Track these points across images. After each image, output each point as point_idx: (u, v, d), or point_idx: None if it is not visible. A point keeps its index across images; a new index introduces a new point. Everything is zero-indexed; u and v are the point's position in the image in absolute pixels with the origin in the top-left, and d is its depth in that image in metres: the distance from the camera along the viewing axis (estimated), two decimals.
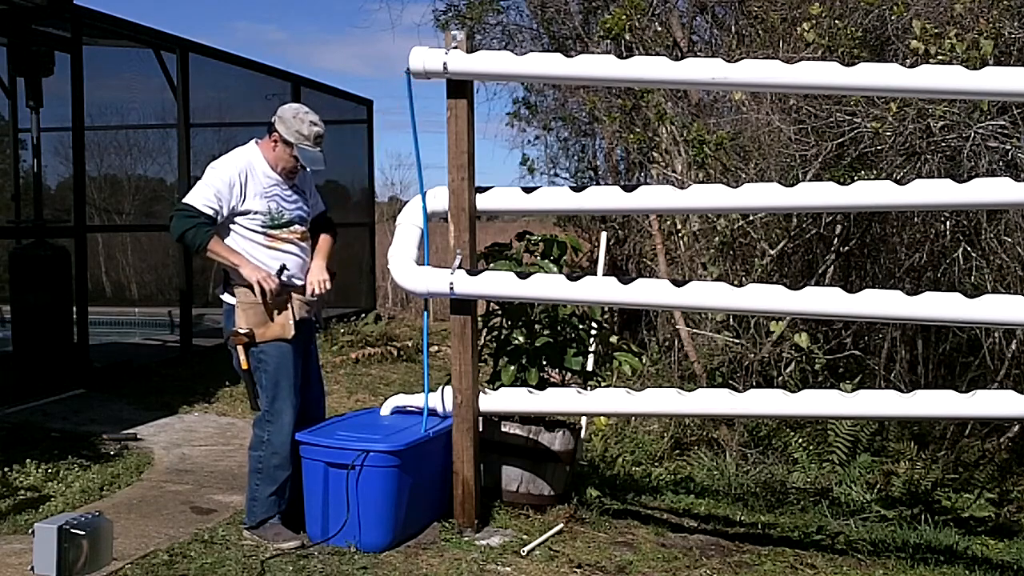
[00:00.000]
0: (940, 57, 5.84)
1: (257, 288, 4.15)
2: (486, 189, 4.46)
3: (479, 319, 4.81)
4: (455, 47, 4.26)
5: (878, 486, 6.07)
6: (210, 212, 4.13)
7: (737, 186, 4.29)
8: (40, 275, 7.52)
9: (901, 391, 4.39)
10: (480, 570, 4.09)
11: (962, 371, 7.06)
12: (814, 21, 6.60)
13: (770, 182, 5.44)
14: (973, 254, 6.61)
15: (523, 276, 4.36)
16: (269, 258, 4.24)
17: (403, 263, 4.44)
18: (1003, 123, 6.08)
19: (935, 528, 5.23)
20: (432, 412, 4.54)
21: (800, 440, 6.51)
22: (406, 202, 4.75)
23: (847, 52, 6.47)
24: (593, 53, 6.85)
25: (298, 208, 4.36)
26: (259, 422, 4.31)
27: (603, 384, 5.37)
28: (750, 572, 4.33)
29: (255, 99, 10.72)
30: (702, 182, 6.99)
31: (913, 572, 4.47)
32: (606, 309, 7.97)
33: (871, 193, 4.13)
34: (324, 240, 4.51)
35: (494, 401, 4.51)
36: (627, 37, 8.07)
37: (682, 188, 4.46)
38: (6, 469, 5.19)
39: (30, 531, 3.36)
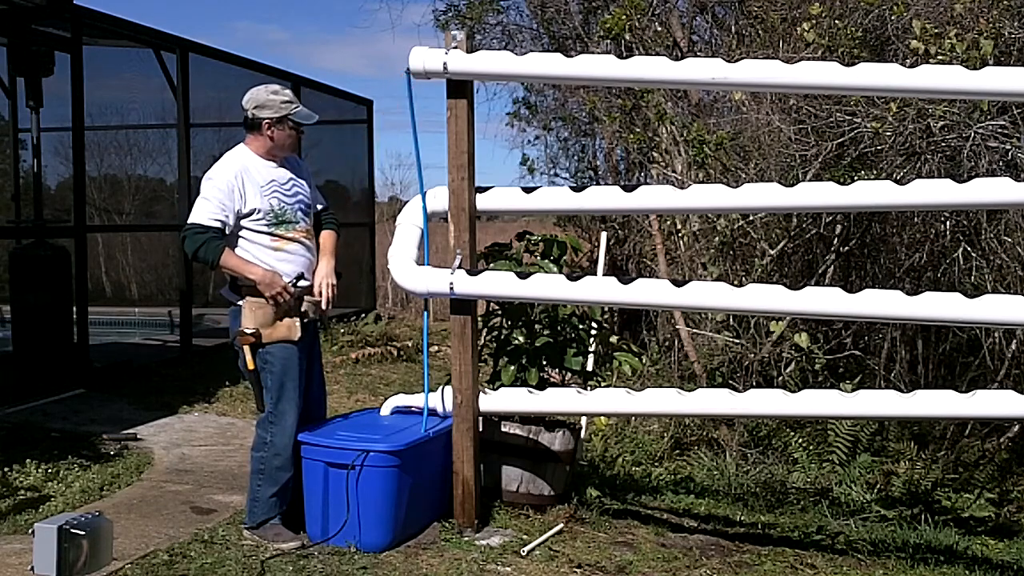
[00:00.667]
0: (940, 57, 5.84)
1: (271, 302, 4.18)
2: (486, 189, 4.46)
3: (479, 319, 4.81)
4: (455, 47, 4.26)
5: (878, 486, 6.07)
6: (218, 225, 4.13)
7: (737, 186, 4.29)
8: (40, 275, 7.52)
9: (901, 391, 4.39)
10: (480, 570, 4.09)
11: (962, 371, 7.06)
12: (814, 21, 6.60)
13: (770, 182, 5.44)
14: (973, 254, 6.61)
15: (523, 276, 4.36)
16: (276, 260, 4.23)
17: (403, 263, 4.44)
18: (1003, 123, 6.08)
19: (935, 528, 5.23)
20: (432, 412, 4.54)
21: (800, 440, 6.51)
22: (406, 202, 4.75)
23: (847, 52, 6.47)
24: (593, 53, 6.86)
25: (299, 200, 4.35)
26: (262, 423, 4.30)
27: (603, 384, 5.37)
28: (750, 572, 4.33)
29: None
30: (702, 182, 6.99)
31: (913, 572, 4.47)
32: (606, 309, 7.97)
33: (871, 193, 4.13)
34: (328, 238, 4.50)
35: (494, 401, 4.52)
36: (627, 37, 8.07)
37: (682, 188, 4.46)
38: (6, 469, 5.19)
39: (30, 531, 3.36)
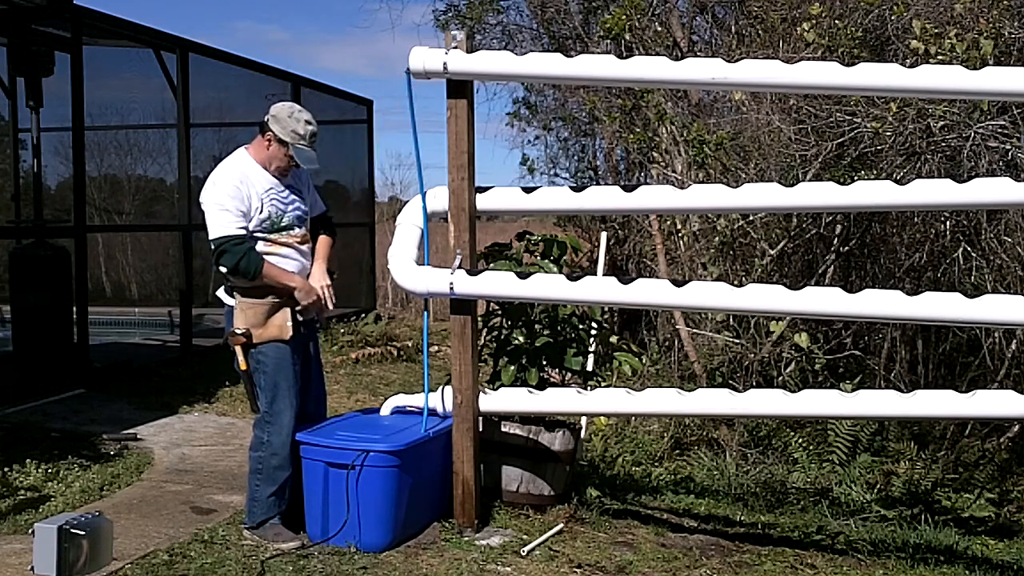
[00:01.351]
0: (940, 57, 5.84)
1: (308, 301, 4.24)
2: (486, 189, 4.46)
3: (479, 319, 4.81)
4: (455, 47, 4.26)
5: (878, 486, 6.07)
6: (244, 233, 4.14)
7: (737, 186, 4.29)
8: (40, 275, 7.52)
9: (901, 391, 4.39)
10: (480, 570, 4.09)
11: (962, 371, 7.06)
12: (814, 21, 6.60)
13: (770, 182, 5.44)
14: (973, 254, 6.61)
15: (523, 276, 4.36)
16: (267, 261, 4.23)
17: (403, 263, 4.44)
18: (1003, 123, 6.08)
19: (935, 528, 5.23)
20: (432, 412, 4.54)
21: (800, 440, 6.51)
22: (406, 202, 4.75)
23: (847, 52, 6.47)
24: (593, 53, 6.86)
25: (295, 209, 4.35)
26: (259, 423, 4.31)
27: (603, 384, 5.36)
28: (750, 572, 4.33)
29: (255, 99, 10.72)
30: (702, 182, 6.98)
31: (913, 572, 4.47)
32: (606, 309, 7.97)
33: (871, 193, 4.13)
34: (323, 242, 4.50)
35: (494, 401, 4.51)
36: (627, 37, 8.07)
37: (682, 188, 4.45)
38: (6, 469, 5.19)
39: (30, 531, 3.37)
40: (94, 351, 8.00)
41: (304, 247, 4.37)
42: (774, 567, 4.41)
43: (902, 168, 6.51)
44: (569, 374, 5.20)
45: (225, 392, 7.52)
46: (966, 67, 4.18)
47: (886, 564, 4.54)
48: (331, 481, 4.18)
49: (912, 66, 4.10)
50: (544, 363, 4.99)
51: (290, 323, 4.23)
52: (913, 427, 6.69)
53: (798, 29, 6.75)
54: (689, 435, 6.87)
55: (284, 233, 4.28)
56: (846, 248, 7.33)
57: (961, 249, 6.65)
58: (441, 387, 4.59)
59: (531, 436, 4.80)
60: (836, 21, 6.64)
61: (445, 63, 4.23)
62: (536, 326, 5.04)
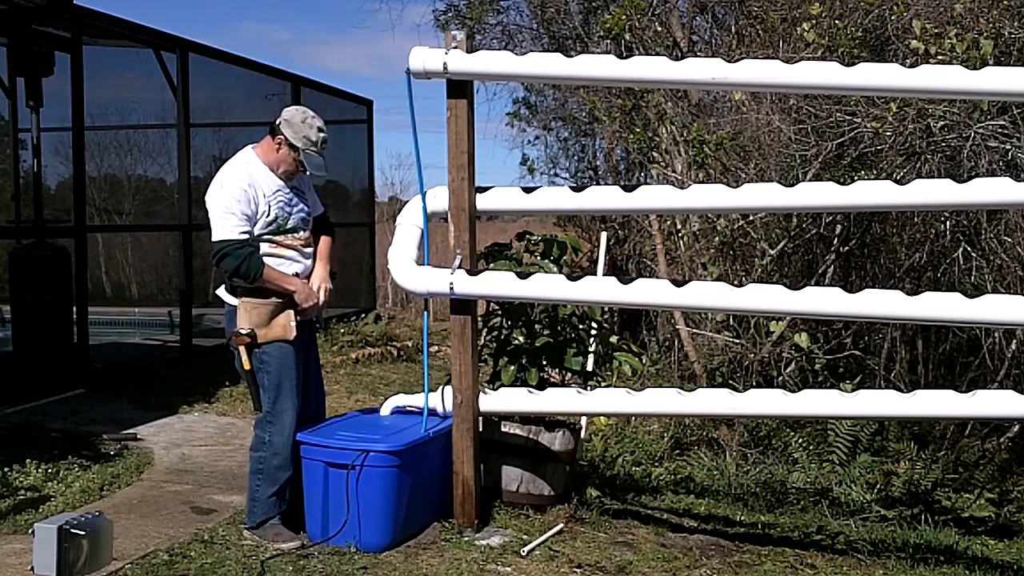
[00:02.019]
0: (940, 57, 5.84)
1: (306, 304, 4.25)
2: (486, 189, 4.46)
3: (479, 319, 4.81)
4: (455, 47, 4.26)
5: (878, 486, 6.07)
6: (247, 237, 4.14)
7: (737, 186, 4.29)
8: (40, 275, 7.52)
9: (901, 391, 4.39)
10: (480, 570, 4.09)
11: (962, 371, 7.06)
12: (814, 21, 6.60)
13: (770, 182, 5.44)
14: (973, 254, 6.61)
15: (523, 276, 4.36)
16: (274, 266, 4.23)
17: (403, 263, 4.44)
18: (1003, 123, 6.08)
19: (935, 528, 5.23)
20: (432, 412, 4.54)
21: (800, 440, 6.51)
22: (406, 202, 4.75)
23: (847, 52, 6.47)
24: (593, 53, 6.86)
25: (300, 211, 4.35)
26: (260, 423, 4.30)
27: (603, 384, 5.36)
28: (750, 572, 4.33)
29: (255, 99, 10.73)
30: (702, 182, 6.98)
31: (913, 572, 4.47)
32: (606, 309, 7.97)
33: (871, 193, 4.13)
34: (325, 243, 4.50)
35: (494, 401, 4.51)
36: (627, 37, 8.08)
37: (682, 188, 4.45)
38: (6, 469, 5.19)
39: (30, 531, 3.36)
40: (94, 351, 8.00)
41: (307, 249, 4.38)
42: (774, 567, 4.41)
43: (902, 168, 6.51)
44: (569, 374, 5.20)
45: (225, 392, 7.52)
46: (966, 67, 4.18)
47: (886, 564, 4.54)
48: (331, 481, 4.18)
49: (912, 66, 4.10)
50: (544, 363, 4.99)
51: (293, 323, 4.23)
52: (913, 427, 6.69)
53: (798, 29, 6.75)
54: (689, 435, 6.87)
55: (289, 235, 4.29)
56: (846, 248, 7.33)
57: (961, 249, 6.65)
58: (441, 387, 4.59)
59: (531, 436, 4.80)
60: (836, 21, 6.63)
61: (445, 63, 4.23)
62: (536, 326, 5.04)
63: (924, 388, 5.24)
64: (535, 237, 5.15)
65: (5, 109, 9.68)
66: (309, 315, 4.37)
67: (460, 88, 4.33)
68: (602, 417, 5.67)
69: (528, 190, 4.53)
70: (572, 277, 4.35)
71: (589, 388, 4.99)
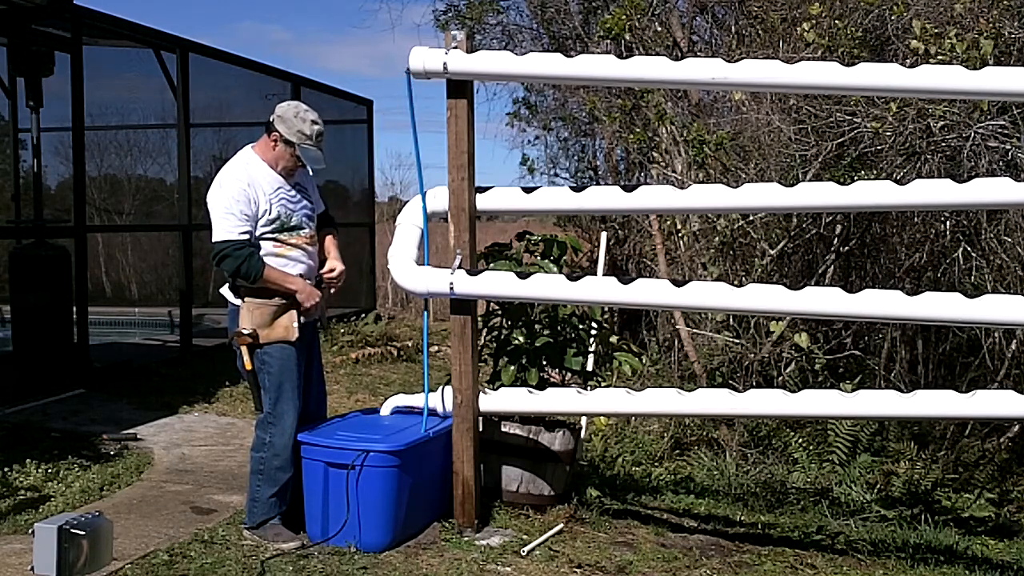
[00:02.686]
0: (940, 57, 5.84)
1: (309, 303, 4.25)
2: (486, 189, 4.46)
3: (479, 319, 4.81)
4: (455, 47, 4.26)
5: (878, 486, 6.07)
6: (247, 238, 4.13)
7: (737, 186, 4.29)
8: (40, 275, 7.52)
9: (901, 391, 4.39)
10: (480, 570, 4.09)
11: (962, 371, 7.06)
12: (814, 21, 6.60)
13: (770, 182, 5.44)
14: (973, 254, 6.61)
15: (523, 276, 4.36)
16: (279, 266, 4.23)
17: (403, 263, 4.44)
18: (1003, 123, 6.08)
19: (935, 528, 5.23)
20: (432, 412, 4.54)
21: (800, 440, 6.51)
22: (406, 202, 4.75)
23: (847, 52, 6.47)
24: (593, 53, 6.86)
25: (304, 208, 4.35)
26: (261, 423, 4.30)
27: (603, 384, 5.36)
28: (750, 572, 4.33)
29: (255, 99, 10.72)
30: (702, 182, 6.98)
31: (913, 572, 4.47)
32: (606, 309, 7.97)
33: (871, 193, 4.13)
34: (331, 239, 4.52)
35: (494, 401, 4.51)
36: (627, 37, 8.07)
37: (682, 188, 4.45)
38: (6, 469, 5.19)
39: (30, 531, 3.37)
40: (94, 351, 8.00)
41: (312, 248, 4.38)
42: (774, 567, 4.41)
43: (902, 168, 6.51)
44: (569, 374, 5.20)
45: (225, 392, 7.52)
46: (966, 67, 4.18)
47: (886, 564, 4.54)
48: (331, 481, 4.18)
49: (912, 66, 4.10)
50: (544, 363, 4.99)
51: (296, 324, 4.24)
52: (913, 427, 6.69)
53: (798, 29, 6.75)
54: (689, 435, 6.87)
55: (294, 233, 4.28)
56: (846, 248, 7.33)
57: (961, 249, 6.65)
58: (441, 387, 4.59)
59: (531, 436, 4.80)
60: (836, 21, 6.63)
61: (445, 63, 4.23)
62: (536, 326, 5.04)
63: (924, 388, 5.24)
64: (535, 237, 5.15)
65: (5, 109, 9.69)
66: (313, 316, 4.37)
67: (460, 88, 4.33)
68: (602, 417, 5.67)
69: (528, 190, 4.53)
70: (572, 277, 4.35)
71: (589, 388, 4.99)
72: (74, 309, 7.71)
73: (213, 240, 4.15)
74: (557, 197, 4.57)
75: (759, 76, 4.20)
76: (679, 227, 7.75)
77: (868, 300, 4.06)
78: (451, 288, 4.32)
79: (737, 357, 7.15)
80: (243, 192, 4.14)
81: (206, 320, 10.32)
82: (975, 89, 4.11)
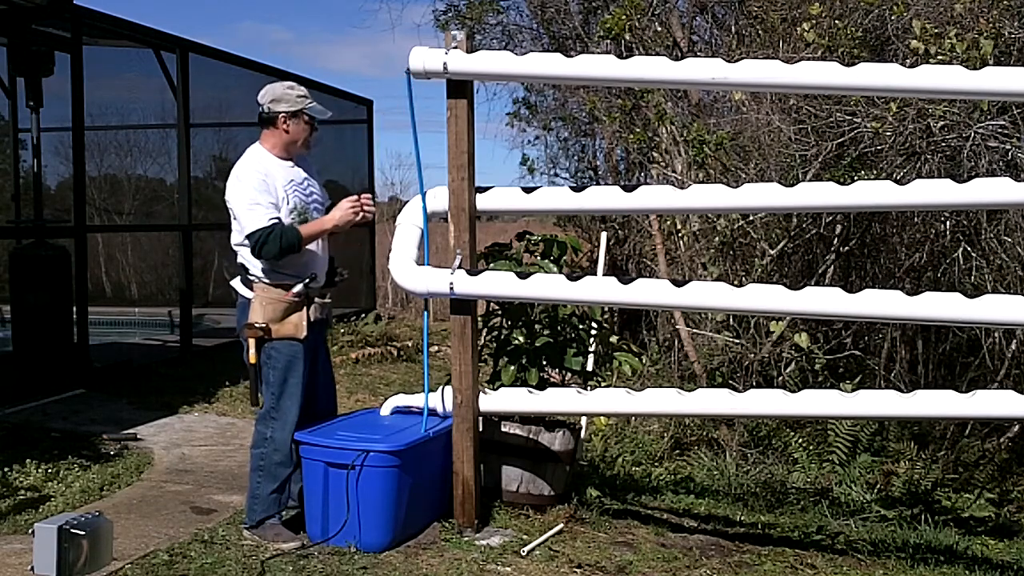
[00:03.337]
0: (940, 57, 5.84)
1: (353, 218, 4.28)
2: (486, 189, 4.46)
3: (479, 319, 4.81)
4: (455, 47, 4.26)
5: (878, 486, 6.07)
6: (276, 221, 4.17)
7: (737, 186, 4.29)
8: (40, 275, 7.52)
9: (901, 391, 4.39)
10: (480, 570, 4.09)
11: (962, 371, 7.07)
12: (814, 21, 6.60)
13: (770, 182, 5.44)
14: (973, 254, 6.62)
15: (523, 276, 4.35)
16: (293, 258, 4.25)
17: (403, 263, 4.44)
18: (1003, 123, 6.08)
19: (935, 528, 5.23)
20: (432, 412, 4.54)
21: (800, 440, 6.51)
22: (406, 202, 4.75)
23: (847, 52, 6.47)
24: (593, 53, 6.86)
25: (315, 200, 4.41)
26: (263, 419, 4.32)
27: (603, 384, 5.36)
28: (750, 572, 4.33)
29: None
30: (702, 182, 6.99)
31: (913, 572, 4.47)
32: (606, 309, 7.97)
33: (871, 193, 4.13)
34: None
35: (494, 401, 4.51)
36: (627, 37, 8.08)
37: (682, 188, 4.45)
38: (6, 469, 5.19)
39: (30, 531, 3.36)
40: (94, 351, 8.00)
41: (324, 240, 4.42)
42: (774, 567, 4.41)
43: (902, 168, 6.51)
44: (569, 374, 5.20)
45: (225, 392, 7.52)
46: (966, 67, 4.17)
47: (886, 564, 4.54)
48: (331, 481, 4.18)
49: (912, 66, 4.10)
50: (544, 363, 4.99)
51: (305, 323, 4.26)
52: (913, 427, 6.70)
53: (798, 29, 6.76)
54: (689, 435, 6.87)
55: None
56: (846, 248, 7.33)
57: (961, 249, 6.66)
58: (441, 387, 4.59)
59: (531, 436, 4.80)
60: (836, 21, 6.64)
61: (445, 63, 4.23)
62: (536, 326, 5.04)
63: (924, 388, 5.24)
64: (535, 237, 5.15)
65: (5, 109, 9.69)
66: (323, 314, 4.39)
67: (460, 88, 4.33)
68: (602, 417, 5.67)
69: (528, 190, 4.53)
70: (572, 277, 4.35)
71: (589, 388, 4.99)
72: (74, 309, 7.71)
73: (246, 233, 4.17)
74: (557, 197, 4.57)
75: (759, 76, 4.20)
76: (679, 227, 7.75)
77: (868, 300, 4.05)
78: (451, 288, 4.32)
79: (737, 357, 7.16)
80: (262, 182, 4.20)
81: (206, 320, 10.32)
82: (975, 89, 4.11)
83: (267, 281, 4.23)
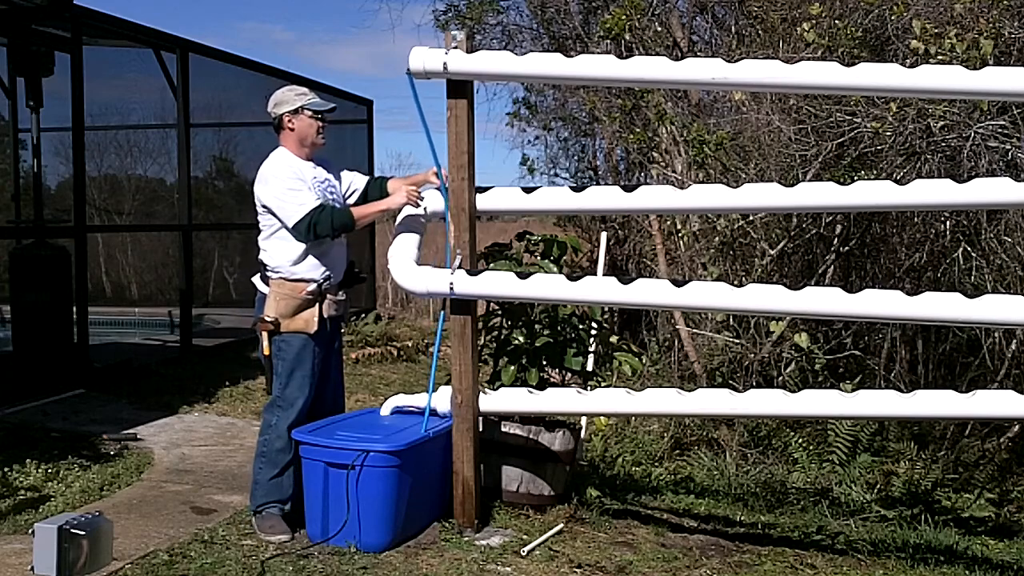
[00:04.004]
0: (940, 57, 5.84)
1: (405, 204, 4.40)
2: (486, 189, 4.46)
3: (479, 319, 4.81)
4: (455, 47, 4.26)
5: (878, 486, 6.07)
6: (318, 202, 4.26)
7: (737, 186, 4.29)
8: (40, 275, 7.52)
9: (901, 391, 4.39)
10: (480, 570, 4.09)
11: (962, 371, 7.07)
12: (814, 21, 6.60)
13: (770, 182, 5.43)
14: (973, 254, 6.62)
15: (523, 276, 4.35)
16: (318, 253, 4.33)
17: (403, 263, 4.45)
18: (1003, 123, 6.08)
19: (935, 528, 5.23)
20: (432, 412, 4.54)
21: (800, 440, 6.51)
22: None
23: (847, 52, 6.47)
24: (593, 53, 6.85)
25: (334, 200, 4.46)
26: (269, 407, 4.42)
27: (603, 384, 5.36)
28: (750, 572, 4.33)
29: (255, 99, 10.70)
30: (702, 182, 6.99)
31: (913, 572, 4.47)
32: (606, 309, 7.97)
33: (871, 193, 4.13)
34: (393, 180, 4.68)
35: (494, 401, 4.51)
36: (627, 37, 8.07)
37: (682, 188, 4.45)
38: (6, 469, 5.19)
39: (30, 531, 3.36)
40: (94, 351, 8.00)
41: (342, 238, 4.49)
42: (774, 567, 4.41)
43: (902, 168, 6.51)
44: (569, 374, 5.20)
45: (225, 392, 7.52)
46: (966, 67, 4.17)
47: (886, 564, 4.54)
48: (331, 481, 4.18)
49: (912, 66, 4.10)
50: (544, 363, 4.99)
51: (316, 319, 4.34)
52: (913, 427, 6.70)
53: (798, 29, 6.75)
54: (689, 435, 6.87)
55: None
56: (846, 248, 7.33)
57: (961, 249, 6.66)
58: (441, 387, 4.59)
59: (531, 436, 4.80)
60: (836, 21, 6.64)
61: (445, 63, 4.23)
62: (536, 326, 5.04)
63: (924, 388, 5.24)
64: (535, 237, 5.15)
65: (5, 109, 9.68)
66: (338, 312, 4.45)
67: (460, 88, 4.33)
68: (602, 417, 5.66)
69: (528, 190, 4.53)
70: (572, 277, 4.35)
71: (589, 388, 4.99)
72: (74, 309, 7.71)
73: (293, 223, 4.22)
74: (557, 197, 4.57)
75: (759, 76, 4.20)
76: (679, 227, 7.75)
77: (868, 300, 4.05)
78: (451, 288, 4.32)
79: (737, 357, 7.16)
80: (294, 174, 4.30)
81: (206, 320, 10.31)
82: (975, 89, 4.11)
83: (284, 277, 4.31)
